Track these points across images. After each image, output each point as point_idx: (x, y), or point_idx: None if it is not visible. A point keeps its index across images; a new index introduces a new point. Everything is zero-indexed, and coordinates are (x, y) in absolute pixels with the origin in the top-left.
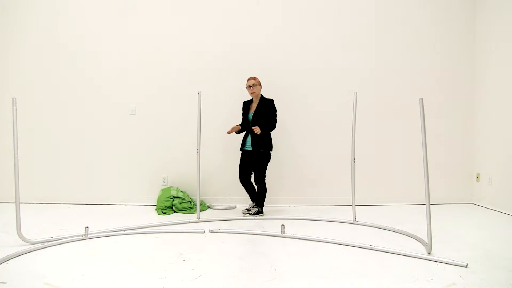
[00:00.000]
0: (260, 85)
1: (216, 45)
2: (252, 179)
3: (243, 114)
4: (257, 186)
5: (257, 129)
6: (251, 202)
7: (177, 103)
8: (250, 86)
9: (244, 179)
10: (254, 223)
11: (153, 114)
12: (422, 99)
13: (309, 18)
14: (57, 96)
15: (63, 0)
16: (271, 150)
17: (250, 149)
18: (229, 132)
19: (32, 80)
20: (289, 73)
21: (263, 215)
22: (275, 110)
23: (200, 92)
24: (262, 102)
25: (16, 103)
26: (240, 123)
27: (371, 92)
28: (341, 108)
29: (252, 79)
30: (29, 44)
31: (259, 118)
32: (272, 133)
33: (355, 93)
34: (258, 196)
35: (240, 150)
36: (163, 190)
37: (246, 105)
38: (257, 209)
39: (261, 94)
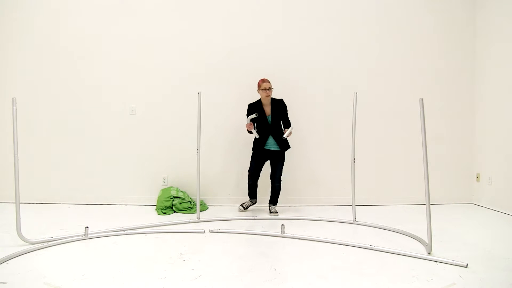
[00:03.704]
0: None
1: (216, 46)
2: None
3: (248, 116)
4: (276, 186)
5: (288, 133)
6: (249, 199)
7: (177, 103)
8: (266, 89)
9: (256, 176)
10: (254, 223)
11: (153, 114)
12: (422, 99)
13: (309, 20)
14: (57, 96)
15: (63, 1)
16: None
17: (277, 149)
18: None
19: (32, 80)
20: (288, 73)
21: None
22: (287, 109)
23: (200, 92)
24: (275, 104)
25: (16, 103)
26: (248, 122)
27: (372, 92)
28: (341, 108)
29: (267, 82)
30: (29, 45)
31: (277, 119)
32: None
33: (355, 93)
34: (276, 195)
35: (259, 149)
36: (163, 190)
37: (254, 107)
38: (276, 207)
39: None
